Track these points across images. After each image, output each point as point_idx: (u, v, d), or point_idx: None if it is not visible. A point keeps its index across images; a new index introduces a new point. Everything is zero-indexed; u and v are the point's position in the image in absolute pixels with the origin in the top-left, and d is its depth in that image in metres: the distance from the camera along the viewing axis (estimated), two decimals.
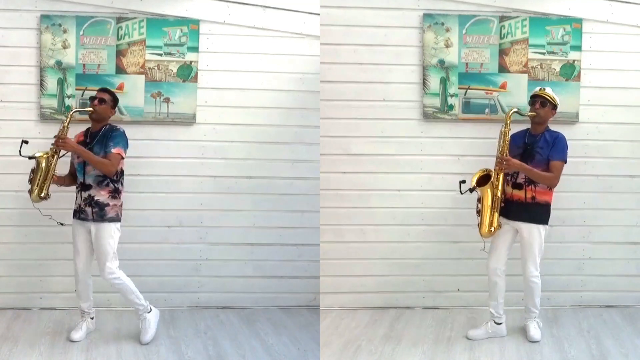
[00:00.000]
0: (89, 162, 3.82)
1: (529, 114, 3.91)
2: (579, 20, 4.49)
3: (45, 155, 3.83)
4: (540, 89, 3.95)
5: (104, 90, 3.99)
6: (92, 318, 4.10)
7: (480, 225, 3.88)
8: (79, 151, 3.82)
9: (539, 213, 3.92)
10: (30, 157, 3.82)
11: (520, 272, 4.00)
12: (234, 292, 4.72)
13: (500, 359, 3.81)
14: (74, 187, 4.00)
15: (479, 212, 3.88)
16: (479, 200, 3.87)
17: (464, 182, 3.84)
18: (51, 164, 3.84)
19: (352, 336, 4.14)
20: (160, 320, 4.30)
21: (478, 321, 4.23)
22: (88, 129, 3.97)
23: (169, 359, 3.82)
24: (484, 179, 3.86)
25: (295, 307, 4.73)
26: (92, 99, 3.94)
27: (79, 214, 3.90)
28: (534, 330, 4.05)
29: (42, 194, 3.86)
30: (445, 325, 4.31)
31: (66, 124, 3.83)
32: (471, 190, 3.83)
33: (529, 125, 4.02)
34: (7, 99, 4.40)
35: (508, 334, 4.12)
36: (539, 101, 3.91)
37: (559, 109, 4.51)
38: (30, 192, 3.87)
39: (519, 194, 3.92)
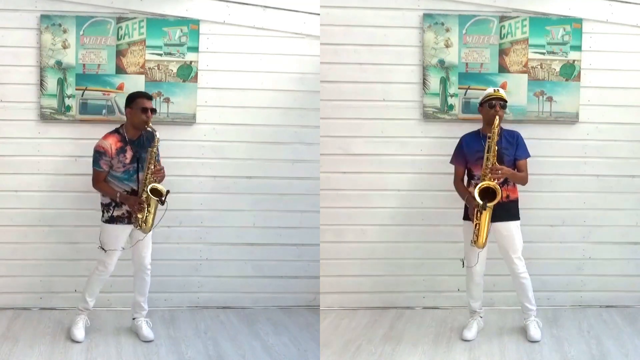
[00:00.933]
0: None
1: (496, 121, 3.82)
2: (579, 20, 4.49)
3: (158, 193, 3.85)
4: (495, 90, 3.95)
5: (149, 97, 3.93)
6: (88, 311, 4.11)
7: (478, 237, 3.84)
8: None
9: (514, 209, 3.99)
10: (160, 202, 3.83)
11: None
12: (234, 292, 4.72)
13: (500, 359, 3.81)
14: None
15: (477, 226, 3.84)
16: (477, 215, 3.82)
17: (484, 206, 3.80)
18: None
19: (352, 336, 4.14)
20: (160, 320, 4.32)
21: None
22: (119, 133, 3.87)
23: (169, 359, 3.82)
24: (486, 193, 3.81)
25: (295, 307, 4.73)
26: (147, 110, 3.83)
27: (129, 218, 3.89)
28: (534, 330, 4.05)
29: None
30: (445, 325, 4.31)
31: (153, 157, 3.84)
32: (484, 208, 3.78)
33: (509, 127, 4.01)
34: (7, 99, 4.40)
35: (508, 334, 4.13)
36: (499, 103, 3.89)
37: (559, 109, 4.54)
38: (146, 226, 3.87)
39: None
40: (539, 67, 4.50)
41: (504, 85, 4.49)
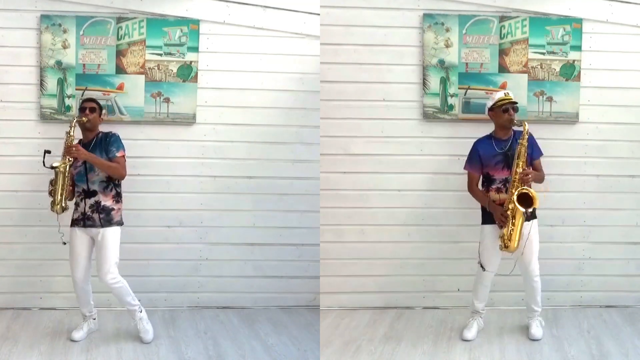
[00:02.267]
0: (101, 168, 3.82)
1: (526, 126, 3.85)
2: (579, 20, 4.49)
3: (63, 165, 3.80)
4: (506, 94, 3.95)
5: (89, 100, 3.98)
6: (94, 319, 4.10)
7: (511, 242, 3.81)
8: (91, 158, 3.80)
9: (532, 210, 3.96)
10: (52, 167, 3.79)
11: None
12: (234, 292, 4.72)
13: (500, 359, 3.81)
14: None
15: (512, 231, 3.80)
16: (512, 221, 3.79)
17: (530, 211, 3.81)
18: (67, 175, 3.83)
19: (352, 336, 4.14)
20: (160, 320, 4.31)
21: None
22: (80, 141, 3.94)
23: (169, 359, 3.82)
24: (525, 199, 3.80)
25: (295, 307, 4.73)
26: (81, 110, 3.92)
27: (83, 221, 3.88)
28: (536, 329, 4.06)
29: (64, 205, 3.87)
30: (445, 325, 4.31)
31: (71, 132, 3.83)
32: (531, 214, 3.83)
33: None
34: (7, 99, 4.40)
35: (508, 333, 4.13)
36: (512, 107, 3.92)
37: (559, 109, 4.54)
38: (53, 204, 3.86)
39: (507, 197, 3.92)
40: (539, 67, 4.50)
41: (504, 85, 4.49)
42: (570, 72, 4.50)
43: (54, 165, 3.79)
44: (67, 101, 4.40)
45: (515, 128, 3.98)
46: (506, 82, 4.49)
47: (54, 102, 4.40)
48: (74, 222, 3.93)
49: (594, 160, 4.58)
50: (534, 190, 3.82)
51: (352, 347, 3.97)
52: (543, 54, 4.49)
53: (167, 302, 4.64)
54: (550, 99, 4.49)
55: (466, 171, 4.07)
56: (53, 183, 3.86)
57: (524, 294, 4.12)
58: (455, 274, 4.57)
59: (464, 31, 4.48)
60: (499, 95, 3.97)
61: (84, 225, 3.88)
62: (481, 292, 4.09)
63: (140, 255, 4.55)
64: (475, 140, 4.06)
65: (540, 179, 3.99)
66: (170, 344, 4.01)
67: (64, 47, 4.38)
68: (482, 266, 4.01)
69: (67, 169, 3.81)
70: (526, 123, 3.85)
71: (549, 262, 4.58)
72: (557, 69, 4.50)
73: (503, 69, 4.49)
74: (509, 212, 3.81)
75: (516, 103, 3.96)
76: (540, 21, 4.48)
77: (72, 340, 3.95)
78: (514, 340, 4.04)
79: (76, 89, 4.41)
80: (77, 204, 3.93)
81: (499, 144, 3.95)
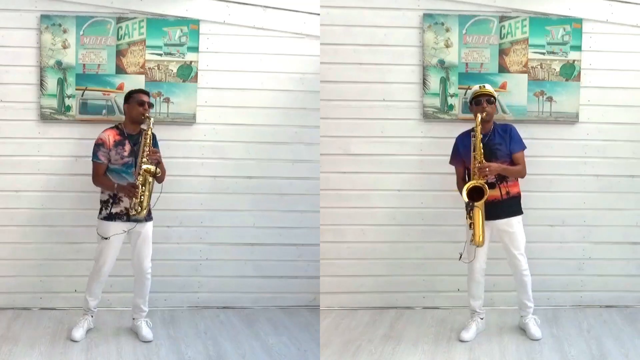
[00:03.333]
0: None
1: (483, 116, 3.86)
2: (579, 20, 4.49)
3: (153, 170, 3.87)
4: (480, 87, 3.94)
5: (146, 92, 4.03)
6: (92, 316, 4.10)
7: (474, 236, 3.88)
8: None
9: (515, 206, 3.98)
10: (153, 175, 3.85)
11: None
12: (234, 292, 4.72)
13: (500, 359, 3.81)
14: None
15: (472, 225, 3.87)
16: (470, 214, 3.83)
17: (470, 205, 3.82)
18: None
19: (352, 336, 4.14)
20: (160, 320, 4.31)
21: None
22: (118, 128, 3.94)
23: (169, 359, 3.82)
24: (475, 192, 3.82)
25: (295, 307, 4.73)
26: (144, 104, 3.92)
27: (127, 215, 3.90)
28: (534, 328, 4.06)
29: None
30: (445, 325, 4.31)
31: (149, 140, 3.86)
32: (472, 207, 3.80)
33: (470, 126, 4.02)
34: (7, 99, 4.40)
35: (508, 333, 4.13)
36: (485, 99, 3.90)
37: (559, 109, 4.54)
38: (141, 207, 3.85)
39: (493, 193, 3.91)
40: (539, 67, 4.50)
41: (504, 85, 4.49)
42: (570, 72, 4.51)
43: (145, 168, 3.84)
44: (67, 101, 4.40)
45: (499, 122, 4.01)
46: (506, 82, 4.49)
47: (54, 102, 4.40)
48: (114, 216, 3.90)
49: (594, 160, 4.58)
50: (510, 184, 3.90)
51: (352, 347, 3.97)
52: (543, 54, 4.49)
53: (167, 302, 4.64)
54: (550, 99, 4.49)
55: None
56: (145, 187, 3.85)
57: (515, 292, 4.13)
58: (455, 274, 4.55)
59: (464, 31, 4.48)
60: (475, 88, 3.98)
61: (128, 220, 3.90)
62: (473, 289, 4.08)
63: None
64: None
65: (514, 173, 3.94)
66: (170, 344, 4.01)
67: (64, 47, 4.38)
68: (460, 255, 4.00)
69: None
70: (478, 116, 3.83)
71: (549, 262, 4.59)
72: (557, 69, 4.50)
73: (503, 69, 4.49)
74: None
75: (491, 96, 3.92)
76: (540, 21, 4.48)
77: (73, 340, 3.95)
78: (514, 340, 4.04)
79: (76, 89, 4.41)
80: (120, 199, 3.90)
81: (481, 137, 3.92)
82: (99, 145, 3.89)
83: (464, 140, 4.00)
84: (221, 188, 4.64)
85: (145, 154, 3.86)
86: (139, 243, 3.99)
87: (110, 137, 3.89)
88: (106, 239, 3.89)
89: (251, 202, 4.67)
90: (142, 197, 3.84)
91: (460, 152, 4.01)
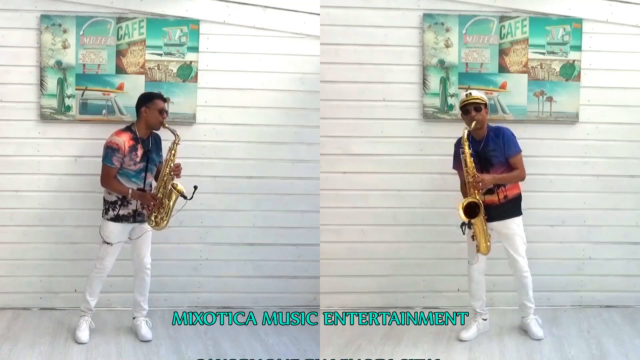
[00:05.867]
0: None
1: (472, 127, 3.82)
2: (579, 20, 4.49)
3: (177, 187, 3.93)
4: (467, 95, 3.90)
5: (166, 99, 4.07)
6: (91, 316, 4.10)
7: (479, 247, 3.90)
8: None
9: (512, 208, 3.97)
10: (183, 196, 3.93)
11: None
12: (234, 292, 4.72)
13: (500, 359, 3.81)
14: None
15: (474, 237, 3.89)
16: (470, 227, 3.83)
17: (465, 224, 3.83)
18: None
19: (352, 336, 4.14)
20: (160, 320, 4.31)
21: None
22: (132, 131, 3.90)
23: (169, 359, 3.82)
24: (471, 208, 3.81)
25: (295, 307, 4.72)
26: (163, 112, 3.93)
27: (134, 217, 3.92)
28: (536, 328, 4.06)
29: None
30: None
31: (173, 155, 3.91)
32: (469, 225, 3.81)
33: (509, 126, 4.01)
34: (7, 99, 4.40)
35: (508, 333, 4.13)
36: (473, 107, 3.85)
37: (559, 109, 4.54)
38: (161, 221, 3.94)
39: (491, 198, 3.92)
40: (539, 67, 4.50)
41: (504, 85, 4.49)
42: (570, 72, 4.51)
43: (180, 188, 3.93)
44: (67, 101, 4.40)
45: (492, 125, 4.00)
46: (506, 82, 4.49)
47: (54, 102, 4.40)
48: (121, 218, 3.91)
49: (594, 160, 4.58)
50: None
51: (352, 347, 3.97)
52: (543, 54, 4.49)
53: (167, 302, 4.64)
54: (550, 99, 4.49)
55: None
56: (168, 201, 3.92)
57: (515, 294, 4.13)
58: (455, 274, 4.56)
59: (464, 31, 4.48)
60: (461, 97, 3.96)
61: (134, 221, 3.93)
62: (473, 289, 4.08)
63: None
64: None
65: (511, 180, 3.92)
66: (170, 344, 4.01)
67: (64, 47, 4.38)
68: (468, 260, 4.03)
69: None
70: (465, 130, 3.82)
71: (549, 262, 4.59)
72: (557, 69, 4.50)
73: (503, 69, 4.49)
74: None
75: (477, 102, 3.85)
76: (540, 21, 4.48)
77: (79, 342, 3.93)
78: (514, 340, 4.04)
79: (76, 89, 4.41)
80: (128, 202, 3.90)
81: (473, 144, 3.91)
82: (114, 150, 3.81)
83: (459, 150, 3.95)
84: (221, 188, 4.64)
85: (169, 169, 3.90)
86: (139, 240, 4.00)
87: (126, 142, 3.83)
88: (109, 244, 3.90)
89: (251, 202, 4.67)
90: (165, 213, 3.93)
91: (460, 158, 3.97)
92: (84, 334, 3.97)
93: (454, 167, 4.08)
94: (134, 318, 4.12)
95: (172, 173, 3.91)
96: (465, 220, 3.79)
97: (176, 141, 3.93)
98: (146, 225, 3.99)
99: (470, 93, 3.91)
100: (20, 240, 4.48)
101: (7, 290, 4.50)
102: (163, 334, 4.16)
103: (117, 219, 3.91)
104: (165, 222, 3.96)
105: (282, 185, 4.69)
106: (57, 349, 3.87)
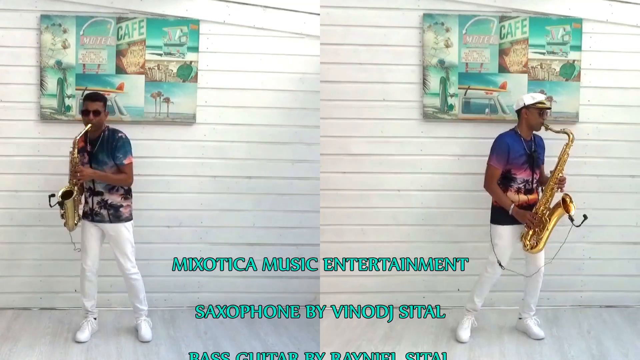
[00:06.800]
0: (107, 181, 3.85)
1: (539, 129, 3.97)
2: (579, 20, 4.49)
3: (69, 194, 3.80)
4: (546, 99, 4.02)
5: (93, 99, 3.86)
6: (95, 318, 4.10)
7: (539, 243, 3.92)
8: (96, 176, 3.82)
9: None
10: (60, 204, 3.80)
11: (521, 271, 4.04)
12: (234, 292, 4.71)
13: (500, 359, 3.81)
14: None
15: (545, 233, 3.91)
16: (546, 223, 3.88)
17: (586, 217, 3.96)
18: (77, 198, 3.84)
19: (352, 336, 4.14)
20: (160, 320, 4.31)
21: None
22: (86, 132, 3.86)
23: (169, 358, 3.82)
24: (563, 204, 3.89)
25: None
26: (85, 113, 3.83)
27: (92, 216, 3.91)
28: (536, 328, 4.08)
29: (77, 222, 3.92)
30: (445, 325, 4.31)
31: (75, 153, 3.80)
32: (571, 219, 3.89)
33: (509, 127, 4.04)
34: (7, 99, 4.40)
35: (508, 333, 4.14)
36: (547, 113, 3.99)
37: (559, 109, 4.54)
38: (66, 224, 3.90)
39: (534, 198, 3.98)
40: (539, 67, 4.50)
41: (504, 85, 4.49)
42: (570, 72, 4.50)
43: (61, 201, 3.78)
44: (67, 101, 4.40)
45: (504, 126, 4.05)
46: (506, 82, 4.49)
47: (54, 102, 4.40)
48: (84, 215, 3.94)
49: (594, 160, 4.58)
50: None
51: (352, 347, 3.97)
52: (543, 54, 4.49)
53: (167, 302, 4.64)
54: (550, 99, 4.49)
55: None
56: (64, 209, 3.84)
57: (523, 293, 4.13)
58: (455, 274, 4.56)
59: (464, 31, 4.48)
60: (540, 97, 3.94)
61: (93, 220, 3.91)
62: (486, 290, 4.07)
63: (140, 255, 4.51)
64: (498, 135, 4.01)
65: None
66: (170, 344, 4.01)
67: (64, 47, 4.38)
68: (500, 265, 3.95)
69: (76, 197, 3.82)
70: (571, 132, 3.95)
71: (549, 262, 4.58)
72: (557, 69, 4.50)
73: (503, 69, 4.49)
74: (540, 215, 3.86)
75: (550, 109, 4.04)
76: (540, 21, 4.48)
77: (78, 342, 3.94)
78: (514, 340, 4.05)
79: (76, 89, 4.41)
80: (86, 199, 3.93)
81: (526, 143, 3.95)
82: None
83: (513, 143, 3.92)
84: (221, 188, 4.64)
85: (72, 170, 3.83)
86: (112, 245, 3.99)
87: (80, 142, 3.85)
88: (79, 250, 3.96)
89: (251, 202, 4.67)
90: (66, 217, 3.88)
91: (509, 153, 3.90)
92: (83, 334, 3.98)
93: (493, 163, 3.92)
94: (135, 318, 4.12)
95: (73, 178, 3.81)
96: (570, 214, 3.86)
97: (77, 138, 3.81)
98: (110, 228, 3.92)
99: (550, 97, 4.11)
100: (20, 240, 4.48)
101: (7, 290, 4.51)
102: (163, 334, 4.16)
103: (82, 215, 3.96)
104: (69, 225, 3.89)
105: (282, 185, 4.69)
106: (57, 349, 3.88)
